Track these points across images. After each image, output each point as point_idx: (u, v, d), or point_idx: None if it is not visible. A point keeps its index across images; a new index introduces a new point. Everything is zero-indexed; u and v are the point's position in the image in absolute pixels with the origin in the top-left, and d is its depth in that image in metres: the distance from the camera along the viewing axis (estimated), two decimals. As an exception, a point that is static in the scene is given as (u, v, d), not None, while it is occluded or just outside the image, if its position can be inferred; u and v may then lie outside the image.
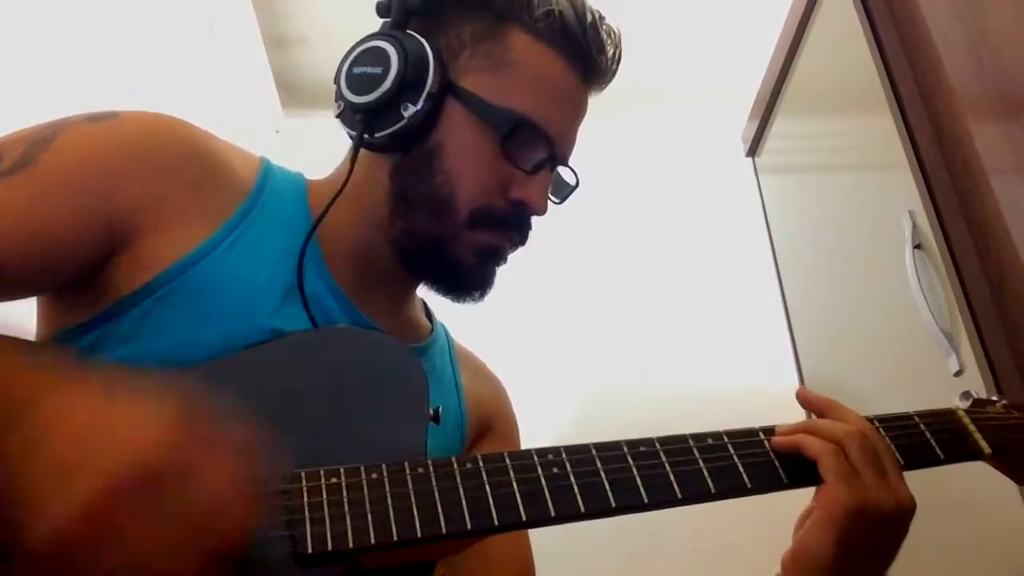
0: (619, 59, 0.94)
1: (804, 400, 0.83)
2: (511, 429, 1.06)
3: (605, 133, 2.82)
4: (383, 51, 0.86)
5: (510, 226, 0.89)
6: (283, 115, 2.84)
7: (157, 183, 0.79)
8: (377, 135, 0.86)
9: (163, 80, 2.37)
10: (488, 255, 0.89)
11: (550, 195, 0.93)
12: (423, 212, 0.86)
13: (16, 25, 2.02)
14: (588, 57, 0.91)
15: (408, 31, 0.88)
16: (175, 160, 0.81)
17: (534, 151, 0.88)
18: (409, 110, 0.84)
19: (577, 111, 0.94)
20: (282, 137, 2.75)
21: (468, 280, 0.90)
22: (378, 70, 0.85)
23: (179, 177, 0.80)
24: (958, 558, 1.33)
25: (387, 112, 0.85)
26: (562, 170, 0.96)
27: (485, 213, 0.87)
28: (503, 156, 0.86)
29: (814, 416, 0.83)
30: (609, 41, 0.93)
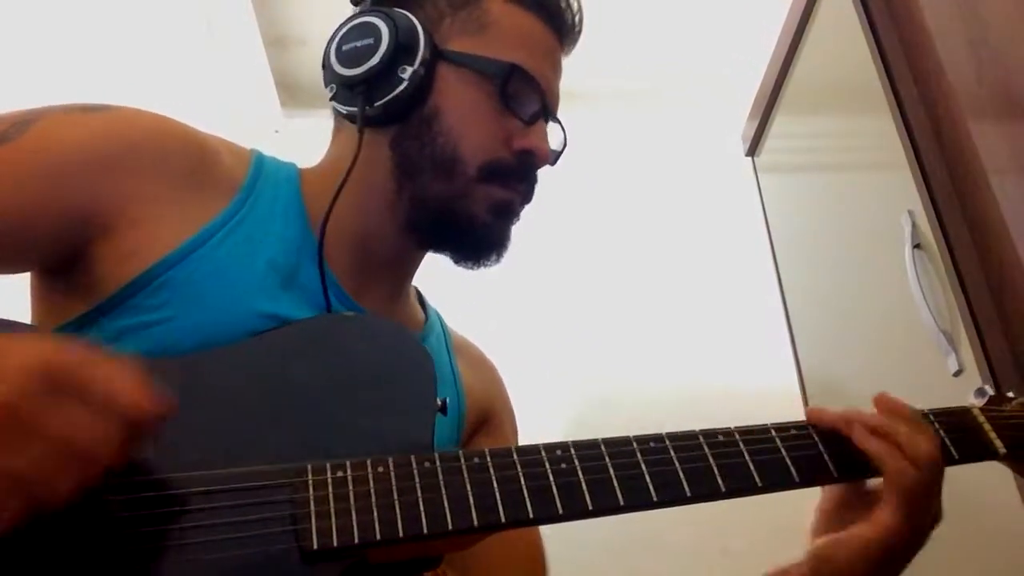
0: (582, 19, 0.97)
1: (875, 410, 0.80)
2: (508, 418, 1.06)
3: (605, 132, 2.82)
4: (371, 24, 0.88)
5: (518, 178, 0.91)
6: (283, 115, 2.84)
7: (141, 177, 0.80)
8: (376, 104, 0.87)
9: (163, 80, 2.37)
10: (501, 210, 0.90)
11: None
12: (430, 175, 0.88)
13: (17, 24, 2.02)
14: (557, 13, 0.94)
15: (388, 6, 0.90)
16: (162, 155, 0.82)
17: (529, 102, 0.90)
18: (407, 72, 0.86)
19: (556, 66, 0.96)
20: (282, 137, 2.75)
21: (485, 239, 0.91)
22: (369, 41, 0.87)
23: (166, 171, 0.81)
24: (958, 558, 1.33)
25: (384, 79, 0.87)
26: (550, 130, 0.96)
27: (494, 166, 0.88)
28: (501, 107, 0.89)
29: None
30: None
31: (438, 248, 0.93)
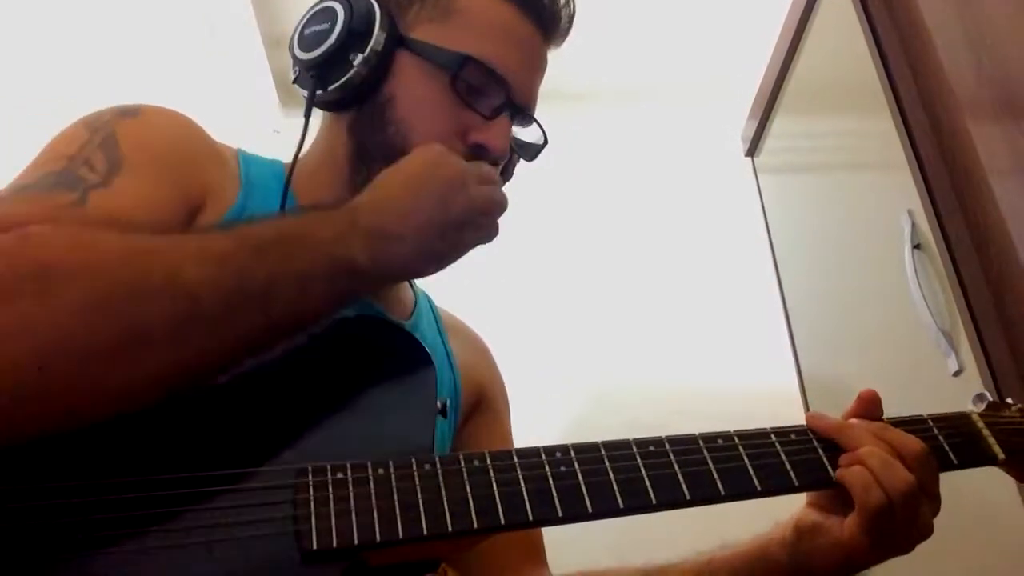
0: (571, 10, 0.95)
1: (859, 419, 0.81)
2: (501, 395, 1.06)
3: (605, 133, 2.82)
4: (330, 8, 0.88)
5: None
6: (283, 115, 2.83)
7: (200, 173, 0.83)
8: (330, 88, 0.87)
9: (163, 80, 2.37)
10: None
11: (521, 158, 0.94)
12: (380, 164, 0.86)
13: (20, 23, 2.02)
14: (536, 4, 0.91)
15: None
16: (203, 152, 0.85)
17: (490, 95, 0.88)
18: (358, 59, 0.86)
19: (533, 58, 0.93)
20: (282, 137, 2.74)
21: None
22: (325, 25, 0.87)
23: (204, 169, 0.84)
24: (958, 558, 1.33)
25: (336, 64, 0.87)
26: (530, 131, 0.95)
27: None
28: (457, 100, 0.87)
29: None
30: None
31: None
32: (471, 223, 0.77)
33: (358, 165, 0.89)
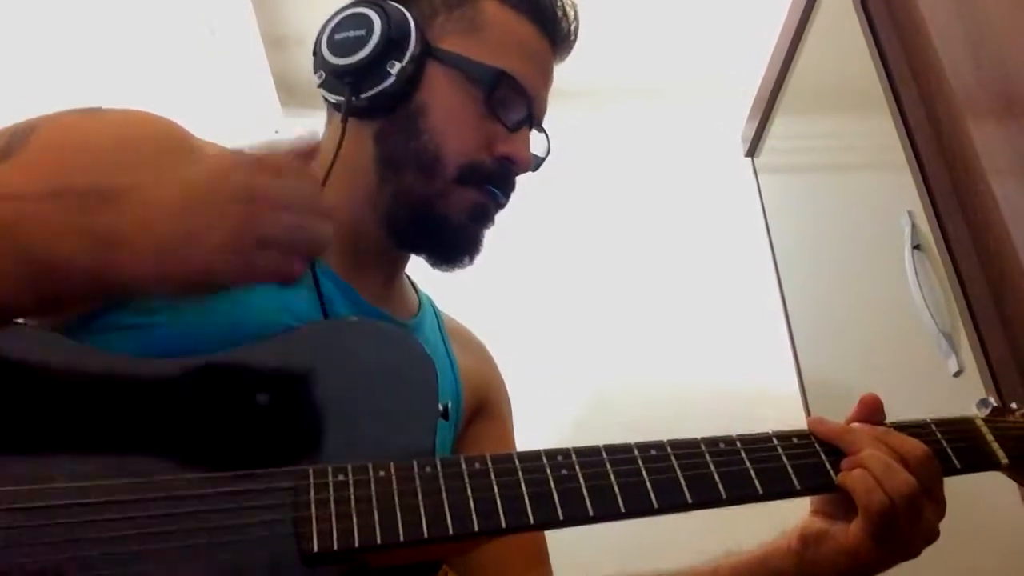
0: (577, 28, 0.98)
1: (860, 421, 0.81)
2: (504, 400, 1.06)
3: (604, 132, 2.82)
4: (365, 15, 0.89)
5: (495, 183, 0.91)
6: (283, 115, 2.84)
7: (139, 174, 0.79)
8: (363, 96, 0.88)
9: (164, 80, 2.37)
10: (476, 214, 0.90)
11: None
12: (411, 172, 0.88)
13: (20, 22, 2.02)
14: (552, 21, 0.94)
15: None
16: (157, 153, 0.81)
17: (515, 108, 0.91)
18: (395, 67, 0.87)
19: (547, 74, 0.96)
20: (282, 137, 2.75)
21: (458, 241, 0.91)
22: (361, 32, 0.88)
23: (124, 172, 0.81)
24: (957, 558, 1.33)
25: (372, 72, 0.87)
26: (535, 138, 0.97)
27: (473, 169, 0.89)
28: (487, 112, 0.89)
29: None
30: (569, 5, 0.97)
31: (412, 247, 0.94)
32: (251, 253, 0.64)
33: (387, 173, 0.90)
